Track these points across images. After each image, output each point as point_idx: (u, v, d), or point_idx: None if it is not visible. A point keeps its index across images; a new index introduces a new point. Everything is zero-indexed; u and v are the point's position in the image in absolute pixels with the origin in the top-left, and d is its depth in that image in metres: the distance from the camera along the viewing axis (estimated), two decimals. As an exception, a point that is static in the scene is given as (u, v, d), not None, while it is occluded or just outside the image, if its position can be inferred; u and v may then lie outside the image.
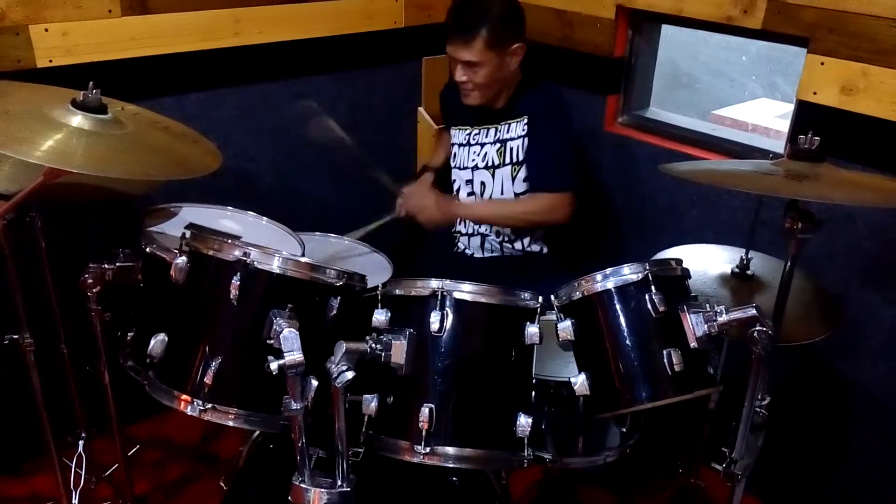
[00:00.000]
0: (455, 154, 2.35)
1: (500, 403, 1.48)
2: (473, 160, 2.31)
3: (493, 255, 2.36)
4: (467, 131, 2.31)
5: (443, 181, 2.45)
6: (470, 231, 2.35)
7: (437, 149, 2.60)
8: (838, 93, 1.90)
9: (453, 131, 2.36)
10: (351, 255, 2.21)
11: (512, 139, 2.26)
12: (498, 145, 2.27)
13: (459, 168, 2.34)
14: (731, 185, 1.63)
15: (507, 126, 2.26)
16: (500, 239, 2.34)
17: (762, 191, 1.50)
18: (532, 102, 2.24)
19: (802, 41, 1.95)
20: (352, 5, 2.54)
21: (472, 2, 2.10)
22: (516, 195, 2.29)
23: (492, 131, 2.27)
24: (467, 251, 2.36)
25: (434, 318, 1.43)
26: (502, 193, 2.29)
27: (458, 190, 2.37)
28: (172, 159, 1.57)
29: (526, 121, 2.25)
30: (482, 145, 2.29)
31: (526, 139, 2.25)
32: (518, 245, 2.35)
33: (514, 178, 2.28)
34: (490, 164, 2.28)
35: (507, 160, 2.27)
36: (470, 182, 2.32)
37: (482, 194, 2.31)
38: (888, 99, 1.82)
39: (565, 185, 2.15)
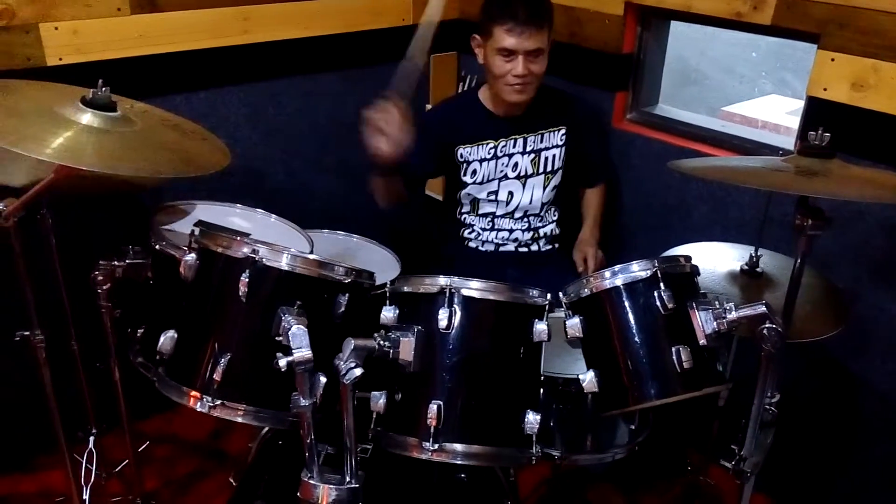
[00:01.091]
0: (475, 170, 2.26)
1: (509, 400, 1.48)
2: (502, 171, 2.26)
3: (502, 251, 2.36)
4: (490, 145, 2.23)
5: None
6: (484, 238, 2.34)
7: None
8: (849, 89, 1.89)
9: (467, 149, 2.24)
10: (359, 252, 2.22)
11: (548, 149, 2.27)
12: (532, 155, 2.26)
13: (480, 183, 2.26)
14: (740, 181, 1.61)
15: (540, 136, 2.26)
16: (516, 245, 2.34)
17: (771, 187, 1.49)
18: (566, 112, 2.28)
19: (813, 37, 1.94)
20: (360, 3, 2.55)
21: None
22: (543, 205, 2.31)
23: (520, 141, 2.24)
24: (480, 248, 2.36)
25: (442, 315, 1.43)
26: (531, 203, 2.29)
27: (472, 203, 2.32)
28: (181, 157, 1.58)
29: (564, 131, 2.27)
30: (510, 156, 2.25)
31: (563, 149, 2.28)
32: (534, 247, 2.35)
33: (545, 187, 2.29)
34: (522, 173, 2.27)
35: (542, 169, 2.28)
36: (494, 193, 2.28)
37: (508, 203, 2.29)
38: (900, 95, 1.81)
39: (609, 175, 2.50)
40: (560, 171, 2.31)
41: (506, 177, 2.27)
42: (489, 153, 2.24)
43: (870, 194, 1.50)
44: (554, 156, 2.28)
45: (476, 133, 2.24)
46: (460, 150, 2.25)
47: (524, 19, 2.01)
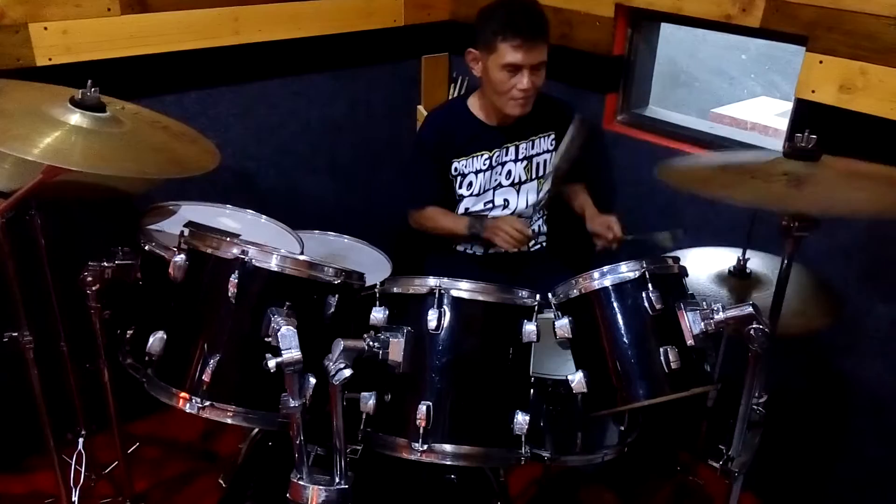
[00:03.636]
0: (471, 182, 2.24)
1: (498, 401, 1.49)
2: (496, 180, 2.26)
3: (492, 252, 2.35)
4: (485, 156, 2.23)
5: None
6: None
7: (444, 215, 2.28)
8: (837, 91, 1.90)
9: (462, 162, 2.22)
10: (350, 254, 2.22)
11: (538, 154, 2.28)
12: (525, 162, 2.27)
13: (477, 194, 2.26)
14: (727, 195, 1.58)
15: (531, 142, 2.26)
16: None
17: (758, 203, 1.47)
18: (554, 117, 2.28)
19: (801, 39, 1.95)
20: (352, 4, 2.54)
21: (528, 3, 2.08)
22: (533, 207, 2.31)
23: (512, 149, 2.25)
24: (468, 250, 2.36)
25: (431, 316, 1.43)
26: (526, 207, 2.30)
27: (465, 213, 2.30)
28: (169, 158, 1.57)
29: (553, 136, 2.29)
30: (503, 164, 2.25)
31: (553, 153, 2.29)
32: (524, 247, 2.35)
33: (538, 192, 2.30)
34: (516, 180, 2.27)
35: (534, 175, 2.29)
36: (490, 202, 2.28)
37: (504, 208, 2.29)
38: (887, 97, 1.82)
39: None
40: (551, 175, 2.31)
41: (500, 185, 2.27)
42: (485, 164, 2.24)
43: (855, 204, 1.48)
44: (545, 160, 2.29)
45: (470, 145, 2.23)
46: (455, 164, 2.23)
47: (531, 35, 2.02)
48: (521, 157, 2.26)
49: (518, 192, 2.29)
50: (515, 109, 2.12)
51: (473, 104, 2.25)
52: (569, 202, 2.41)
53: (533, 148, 2.27)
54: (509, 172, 2.27)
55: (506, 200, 2.29)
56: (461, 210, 2.29)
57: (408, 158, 2.45)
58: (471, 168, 2.24)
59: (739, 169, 1.57)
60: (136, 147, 1.53)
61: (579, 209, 2.34)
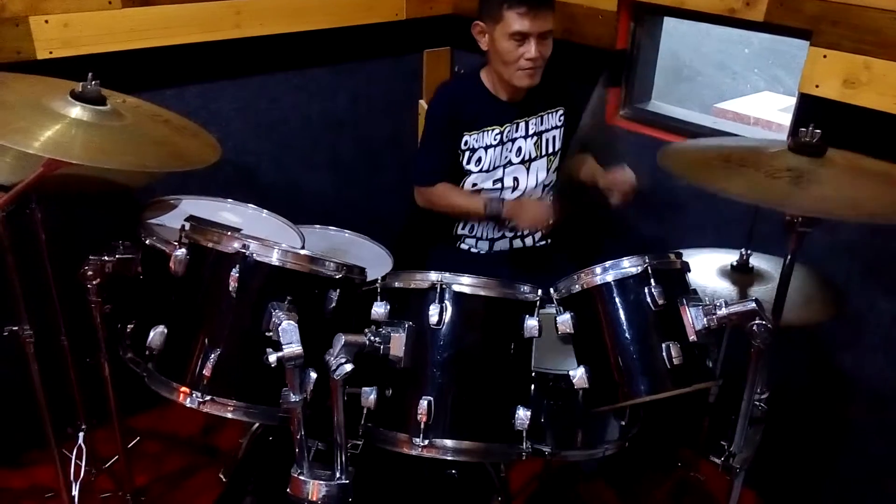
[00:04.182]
0: (480, 158, 2.21)
1: (499, 396, 1.49)
2: (506, 157, 2.24)
3: (496, 250, 2.35)
4: (496, 131, 2.20)
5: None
6: (479, 235, 2.32)
7: (458, 193, 2.25)
8: (841, 86, 1.89)
9: (473, 136, 2.18)
10: (351, 248, 2.21)
11: (548, 130, 2.27)
12: (535, 138, 2.25)
13: (486, 170, 2.22)
14: (730, 191, 1.56)
15: (540, 118, 2.25)
16: (512, 235, 2.33)
17: (761, 200, 1.46)
18: (562, 93, 2.28)
19: (805, 34, 1.94)
20: (353, -3, 2.54)
21: None
22: (545, 186, 2.30)
23: (522, 125, 2.23)
24: (472, 249, 2.35)
25: (433, 311, 1.43)
26: (535, 186, 2.28)
27: (477, 193, 2.28)
28: (170, 151, 1.57)
29: (562, 112, 2.28)
30: (514, 140, 2.23)
31: (562, 130, 2.28)
32: (528, 241, 2.34)
33: (547, 170, 2.29)
34: (526, 157, 2.25)
35: (544, 152, 2.27)
36: (499, 181, 2.25)
37: (514, 190, 2.26)
38: (891, 92, 1.81)
39: None
40: (560, 153, 2.30)
41: (510, 162, 2.25)
42: (495, 139, 2.21)
43: (858, 202, 1.46)
44: (554, 137, 2.28)
45: (482, 119, 2.20)
46: (466, 138, 2.20)
47: (536, 2, 2.01)
48: (531, 132, 2.25)
49: (528, 169, 2.27)
50: (524, 80, 2.10)
51: (485, 78, 2.23)
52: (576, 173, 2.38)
53: (542, 123, 2.26)
54: (519, 149, 2.25)
55: (515, 180, 2.26)
56: (467, 186, 2.26)
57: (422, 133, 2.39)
58: (481, 143, 2.21)
59: (742, 160, 1.55)
60: (136, 140, 1.52)
61: (588, 175, 2.27)
